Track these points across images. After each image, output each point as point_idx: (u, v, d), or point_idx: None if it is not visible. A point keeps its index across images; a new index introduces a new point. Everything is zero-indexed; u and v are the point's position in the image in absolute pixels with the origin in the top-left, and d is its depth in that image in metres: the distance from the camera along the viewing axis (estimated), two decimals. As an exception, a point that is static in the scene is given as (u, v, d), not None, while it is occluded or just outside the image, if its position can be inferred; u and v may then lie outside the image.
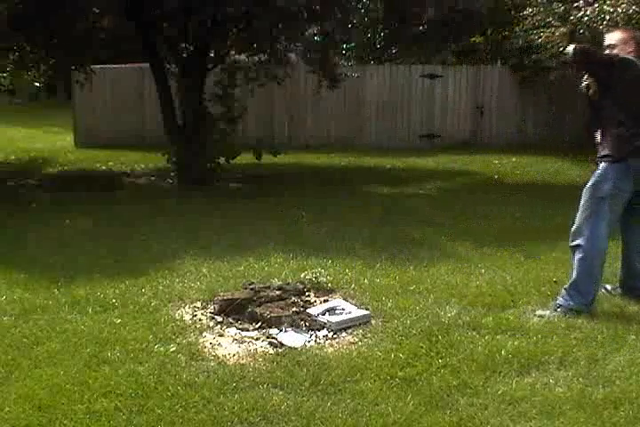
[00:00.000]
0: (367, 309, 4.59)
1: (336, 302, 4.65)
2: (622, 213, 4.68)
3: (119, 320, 4.42)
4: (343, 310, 4.47)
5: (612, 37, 4.69)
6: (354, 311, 4.48)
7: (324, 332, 4.24)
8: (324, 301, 4.72)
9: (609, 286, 4.98)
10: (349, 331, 4.25)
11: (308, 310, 4.48)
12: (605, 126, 4.63)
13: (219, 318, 4.46)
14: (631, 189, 4.58)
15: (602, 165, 4.58)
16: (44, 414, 3.25)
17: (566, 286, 4.62)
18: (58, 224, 7.36)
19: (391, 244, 6.42)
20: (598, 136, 4.70)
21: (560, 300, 4.60)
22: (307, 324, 4.30)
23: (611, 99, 4.56)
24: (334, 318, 4.34)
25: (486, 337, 4.11)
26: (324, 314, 4.40)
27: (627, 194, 4.59)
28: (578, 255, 4.59)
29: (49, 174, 11.92)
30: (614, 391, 3.48)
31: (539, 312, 4.54)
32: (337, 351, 3.97)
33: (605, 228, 4.56)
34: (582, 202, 4.63)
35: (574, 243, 4.63)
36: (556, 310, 4.55)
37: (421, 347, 3.97)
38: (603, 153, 4.59)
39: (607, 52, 4.65)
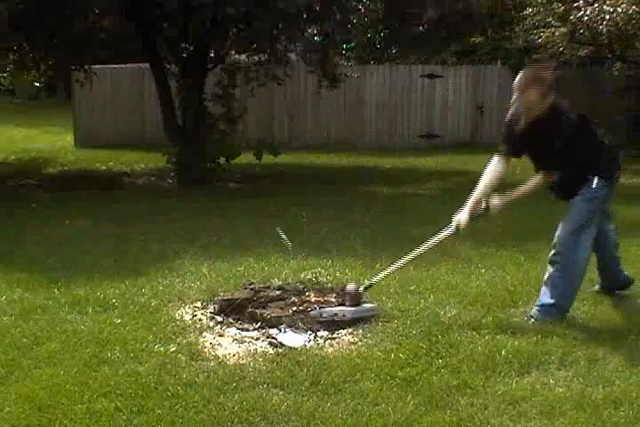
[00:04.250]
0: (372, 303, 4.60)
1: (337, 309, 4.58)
2: None
3: (119, 320, 4.42)
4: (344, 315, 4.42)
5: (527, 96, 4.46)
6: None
7: (324, 332, 4.23)
8: (324, 301, 4.69)
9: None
10: (349, 331, 4.25)
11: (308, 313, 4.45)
12: (588, 147, 4.50)
13: (219, 318, 4.46)
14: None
15: (595, 180, 4.43)
16: (44, 415, 3.25)
17: (546, 300, 4.39)
18: (58, 224, 7.36)
19: (391, 243, 6.42)
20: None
21: (535, 313, 4.41)
22: (308, 324, 4.28)
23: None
24: (347, 309, 4.32)
25: (486, 337, 4.11)
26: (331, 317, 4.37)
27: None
28: (561, 269, 4.40)
29: (49, 174, 11.92)
30: (614, 391, 3.48)
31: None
32: (337, 351, 3.97)
33: (591, 240, 4.48)
34: (571, 215, 4.46)
35: (557, 257, 4.45)
36: (528, 321, 4.40)
37: (421, 347, 3.97)
38: (595, 170, 4.46)
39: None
